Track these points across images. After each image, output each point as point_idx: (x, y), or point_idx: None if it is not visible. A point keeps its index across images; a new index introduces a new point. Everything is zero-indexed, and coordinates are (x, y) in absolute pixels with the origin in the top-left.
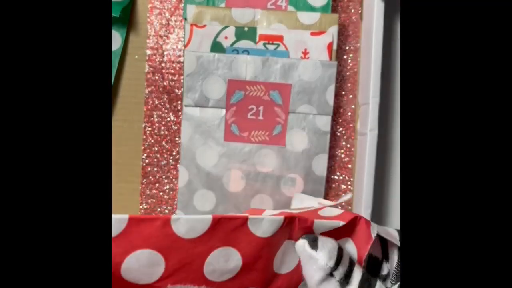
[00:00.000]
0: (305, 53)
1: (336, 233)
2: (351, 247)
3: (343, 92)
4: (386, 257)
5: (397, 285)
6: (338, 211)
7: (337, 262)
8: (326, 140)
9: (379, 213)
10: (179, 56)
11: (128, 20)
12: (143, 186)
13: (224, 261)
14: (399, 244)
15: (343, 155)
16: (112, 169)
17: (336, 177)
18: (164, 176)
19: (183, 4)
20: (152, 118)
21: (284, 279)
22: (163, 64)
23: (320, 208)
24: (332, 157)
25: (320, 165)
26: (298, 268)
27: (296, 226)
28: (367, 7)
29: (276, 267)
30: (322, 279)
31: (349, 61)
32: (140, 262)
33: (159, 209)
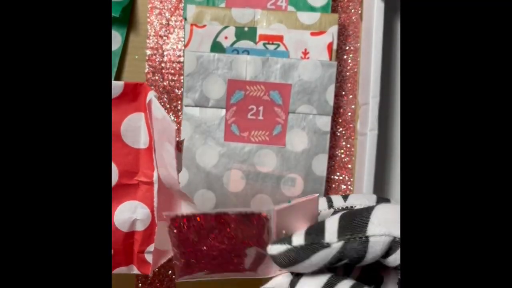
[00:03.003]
0: (305, 53)
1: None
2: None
3: (343, 92)
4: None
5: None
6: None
7: None
8: (326, 140)
9: None
10: (179, 56)
11: (128, 20)
12: None
13: None
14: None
15: (343, 155)
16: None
17: (336, 177)
18: None
19: (183, 4)
20: None
21: (142, 154)
22: (163, 64)
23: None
24: (332, 157)
25: (320, 165)
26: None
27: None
28: (367, 7)
29: (126, 139)
30: None
31: (349, 61)
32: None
33: None
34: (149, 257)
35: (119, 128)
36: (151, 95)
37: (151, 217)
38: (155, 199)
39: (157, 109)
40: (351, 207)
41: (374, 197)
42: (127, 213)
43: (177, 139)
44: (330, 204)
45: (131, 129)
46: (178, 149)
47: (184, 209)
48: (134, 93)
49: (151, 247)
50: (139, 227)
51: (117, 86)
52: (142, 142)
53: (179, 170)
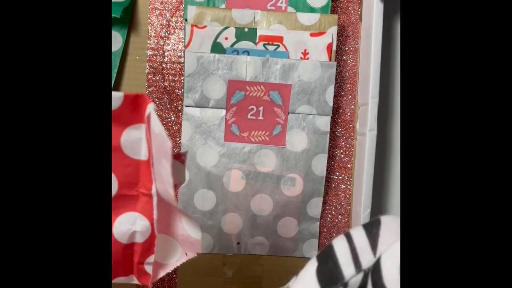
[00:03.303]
0: (305, 53)
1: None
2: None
3: (343, 93)
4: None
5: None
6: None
7: None
8: (326, 140)
9: (378, 213)
10: (180, 56)
11: (129, 20)
12: None
13: None
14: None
15: (342, 155)
16: None
17: (335, 177)
18: None
19: (183, 5)
20: None
21: (142, 166)
22: (163, 65)
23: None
24: (331, 157)
25: (320, 165)
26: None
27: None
28: (367, 8)
29: (126, 150)
30: None
31: (349, 61)
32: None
33: None
34: (148, 268)
35: (119, 140)
36: (151, 108)
37: (151, 229)
38: (155, 212)
39: (155, 124)
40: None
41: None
42: (127, 225)
43: (181, 151)
44: (357, 266)
45: (131, 140)
46: (181, 161)
47: (186, 226)
48: (134, 105)
49: (151, 258)
50: (139, 239)
51: (116, 98)
52: (142, 154)
53: (181, 182)
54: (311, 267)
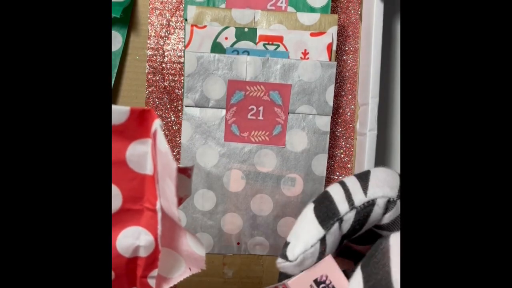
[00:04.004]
0: (305, 53)
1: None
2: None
3: (343, 93)
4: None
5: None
6: None
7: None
8: (326, 140)
9: None
10: (180, 56)
11: (129, 20)
12: None
13: None
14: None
15: (342, 155)
16: None
17: (335, 177)
18: None
19: (183, 5)
20: None
21: (148, 180)
22: (163, 65)
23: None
24: (331, 157)
25: (320, 165)
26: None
27: (147, 122)
28: (367, 8)
29: (132, 164)
30: None
31: (349, 61)
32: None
33: None
34: (152, 282)
35: (124, 154)
36: (157, 124)
37: (155, 244)
38: (159, 227)
39: (161, 142)
40: (373, 200)
41: (396, 178)
42: (130, 239)
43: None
44: (350, 203)
45: (137, 154)
46: (188, 176)
47: (190, 242)
48: (140, 119)
49: (154, 272)
50: (142, 254)
51: (122, 112)
52: (148, 168)
53: (187, 195)
54: (309, 209)
